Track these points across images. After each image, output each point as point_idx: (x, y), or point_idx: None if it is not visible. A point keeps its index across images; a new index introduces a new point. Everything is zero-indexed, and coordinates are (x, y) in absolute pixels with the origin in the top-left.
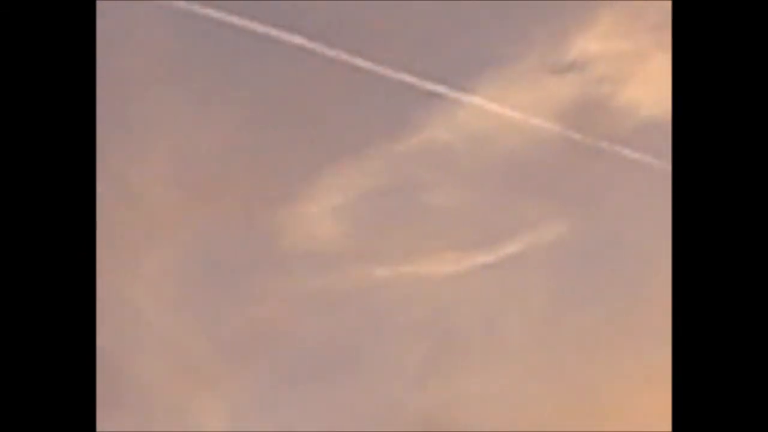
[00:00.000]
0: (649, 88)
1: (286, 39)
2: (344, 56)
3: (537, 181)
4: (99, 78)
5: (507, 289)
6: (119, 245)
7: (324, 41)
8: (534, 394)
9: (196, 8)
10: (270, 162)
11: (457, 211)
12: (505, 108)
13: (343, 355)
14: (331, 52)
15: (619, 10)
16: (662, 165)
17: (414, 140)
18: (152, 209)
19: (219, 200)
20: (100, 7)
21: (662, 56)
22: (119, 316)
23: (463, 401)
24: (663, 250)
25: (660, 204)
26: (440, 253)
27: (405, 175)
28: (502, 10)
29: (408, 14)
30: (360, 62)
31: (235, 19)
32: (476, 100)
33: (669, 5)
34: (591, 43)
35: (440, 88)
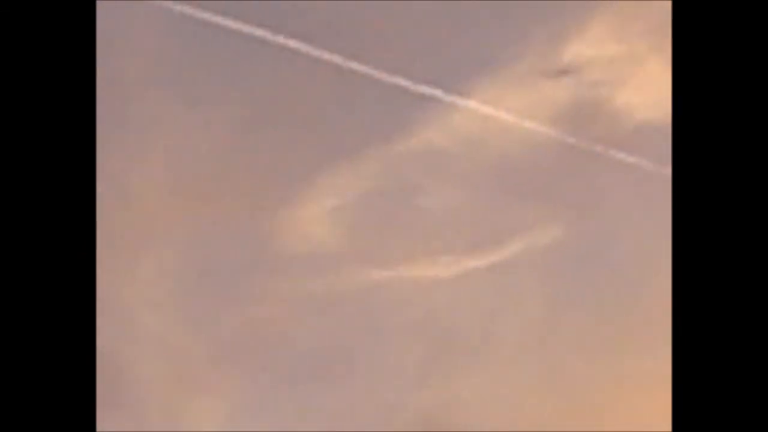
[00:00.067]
0: (644, 91)
1: (284, 42)
2: (341, 60)
3: (532, 184)
4: (97, 79)
5: (503, 291)
6: (117, 246)
7: (321, 45)
8: (531, 395)
9: (194, 11)
10: (267, 164)
11: (454, 213)
12: (501, 111)
13: (341, 356)
14: (328, 56)
15: (613, 14)
16: (657, 168)
17: (410, 143)
18: (150, 211)
19: (216, 202)
20: (99, 9)
21: (657, 60)
22: (117, 317)
23: (462, 402)
24: (658, 253)
25: (655, 207)
26: (437, 255)
27: (401, 177)
28: (498, 15)
29: (404, 18)
30: (357, 66)
31: (232, 23)
32: (471, 103)
33: (664, 9)
34: (586, 46)
35: (436, 92)
